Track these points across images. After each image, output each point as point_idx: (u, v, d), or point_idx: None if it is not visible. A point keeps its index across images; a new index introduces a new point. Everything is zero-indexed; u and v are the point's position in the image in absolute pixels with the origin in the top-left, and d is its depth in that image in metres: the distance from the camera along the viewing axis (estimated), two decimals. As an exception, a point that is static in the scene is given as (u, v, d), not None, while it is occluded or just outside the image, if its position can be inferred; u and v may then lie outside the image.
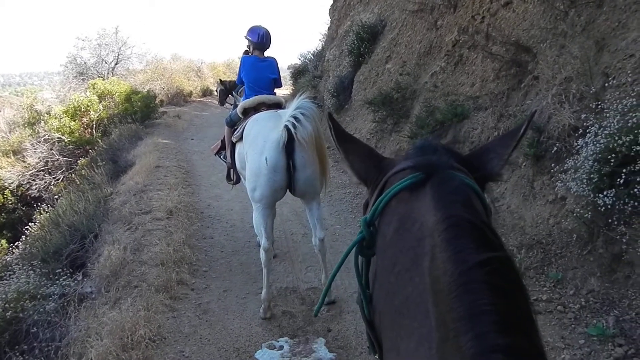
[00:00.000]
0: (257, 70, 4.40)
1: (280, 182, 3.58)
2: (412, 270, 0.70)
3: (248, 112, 4.23)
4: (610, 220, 3.65)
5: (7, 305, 4.26)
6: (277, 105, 4.28)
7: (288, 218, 5.86)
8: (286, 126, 3.42)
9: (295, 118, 3.39)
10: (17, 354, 3.85)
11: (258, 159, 3.58)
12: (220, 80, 9.45)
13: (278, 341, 3.41)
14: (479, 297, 0.60)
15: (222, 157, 5.11)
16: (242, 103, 4.34)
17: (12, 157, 14.78)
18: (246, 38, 4.58)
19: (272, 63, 4.54)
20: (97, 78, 17.81)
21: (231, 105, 5.73)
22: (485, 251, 0.66)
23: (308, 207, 3.88)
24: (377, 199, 0.87)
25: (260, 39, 4.47)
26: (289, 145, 3.47)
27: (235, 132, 4.27)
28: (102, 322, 3.53)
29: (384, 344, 0.80)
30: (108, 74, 19.80)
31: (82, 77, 19.50)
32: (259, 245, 4.81)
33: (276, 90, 4.62)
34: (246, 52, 10.25)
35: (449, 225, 0.69)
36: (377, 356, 0.95)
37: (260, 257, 3.76)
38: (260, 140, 3.64)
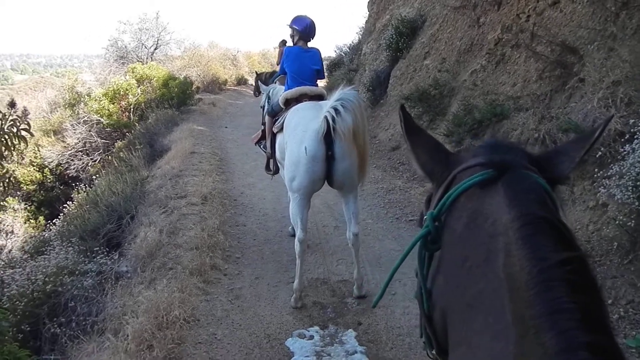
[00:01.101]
0: (301, 61, 4.37)
1: (319, 172, 3.58)
2: (484, 266, 0.71)
3: (290, 102, 4.24)
4: (654, 231, 3.54)
5: (47, 279, 4.42)
6: (319, 97, 4.27)
7: (320, 210, 5.87)
8: (325, 117, 3.42)
9: (335, 109, 3.38)
10: (55, 325, 4.00)
11: (297, 149, 3.60)
12: (256, 72, 9.58)
13: (308, 330, 3.44)
14: (560, 294, 0.60)
15: (262, 146, 5.15)
16: (284, 94, 4.35)
17: (53, 136, 15.27)
18: (291, 27, 4.52)
19: (316, 54, 4.52)
20: (137, 62, 18.16)
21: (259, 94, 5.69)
22: (564, 250, 0.66)
23: (345, 201, 3.87)
24: (445, 194, 0.87)
25: (306, 29, 4.43)
26: (329, 136, 3.47)
27: (277, 123, 4.30)
28: (138, 300, 3.63)
29: (450, 337, 0.80)
30: (147, 58, 20.17)
31: (122, 61, 19.91)
32: (291, 236, 4.90)
33: (318, 81, 4.60)
34: (284, 42, 10.24)
35: (524, 223, 0.69)
36: (433, 352, 0.95)
37: (295, 248, 3.78)
38: (299, 130, 3.66)
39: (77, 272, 4.53)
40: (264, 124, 5.30)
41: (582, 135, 0.91)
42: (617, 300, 3.58)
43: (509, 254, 0.67)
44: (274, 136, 4.41)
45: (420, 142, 1.01)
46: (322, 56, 4.75)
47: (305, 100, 4.14)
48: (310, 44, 4.57)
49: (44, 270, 4.57)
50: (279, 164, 4.52)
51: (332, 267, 4.46)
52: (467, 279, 0.74)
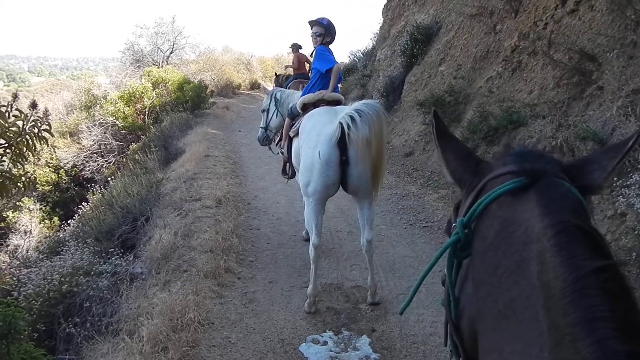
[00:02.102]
0: (317, 57, 4.35)
1: (333, 176, 3.57)
2: (517, 273, 0.70)
3: (307, 107, 4.25)
4: (675, 241, 3.48)
5: (62, 279, 4.46)
6: (337, 102, 4.27)
7: (334, 215, 5.87)
8: (340, 122, 3.42)
9: (352, 117, 3.38)
10: (71, 325, 4.03)
11: (311, 153, 3.60)
12: (275, 74, 9.79)
13: (322, 336, 3.43)
14: (596, 302, 0.60)
15: (279, 148, 5.15)
16: (302, 98, 4.37)
17: (69, 138, 15.45)
18: (319, 24, 4.43)
19: (327, 50, 4.46)
20: (152, 66, 18.35)
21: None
22: (599, 258, 0.65)
23: (359, 206, 3.84)
24: (475, 202, 0.87)
25: (331, 28, 4.41)
26: (343, 141, 3.45)
27: (293, 127, 4.31)
28: (153, 302, 3.65)
29: (481, 345, 0.79)
30: (163, 62, 20.40)
31: (138, 64, 20.16)
32: (305, 240, 4.89)
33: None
34: (296, 46, 10.24)
35: (558, 231, 0.69)
36: None
37: (310, 253, 3.75)
38: (314, 135, 3.66)
39: (92, 273, 4.57)
40: (263, 127, 5.52)
41: (614, 145, 0.90)
42: (636, 313, 3.52)
43: (543, 262, 0.67)
44: (290, 140, 4.41)
45: (451, 149, 1.02)
46: (339, 61, 4.72)
47: (322, 105, 4.14)
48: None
49: (60, 270, 4.62)
50: (295, 169, 4.53)
51: (345, 272, 4.45)
52: (498, 286, 0.73)
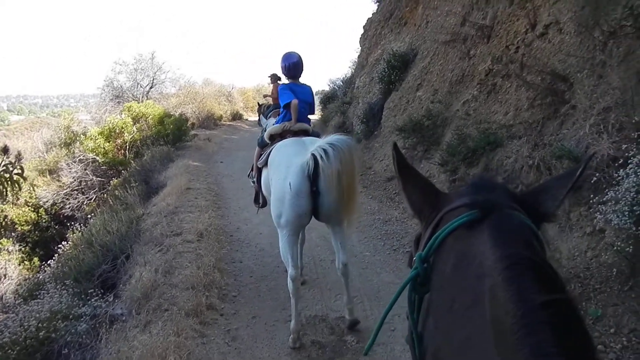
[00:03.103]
0: (294, 94, 4.44)
1: (304, 206, 3.58)
2: (471, 309, 0.69)
3: (274, 137, 4.34)
4: (654, 256, 3.51)
5: (40, 324, 4.32)
6: (304, 132, 4.35)
7: (317, 244, 5.82)
8: (313, 154, 3.45)
9: (324, 150, 3.41)
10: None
11: (282, 185, 3.62)
12: (258, 103, 10.10)
13: (307, 371, 3.35)
14: (544, 338, 0.59)
15: (251, 178, 5.17)
16: (269, 130, 4.48)
17: (48, 176, 15.26)
18: (281, 65, 4.60)
19: (307, 90, 4.61)
20: (132, 101, 18.34)
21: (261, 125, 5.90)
22: (548, 292, 0.65)
23: (332, 231, 3.88)
24: (433, 235, 0.86)
25: (293, 65, 4.51)
26: (314, 172, 3.49)
27: (260, 158, 4.36)
28: (133, 345, 3.53)
29: None
30: (143, 97, 20.41)
31: (117, 100, 20.14)
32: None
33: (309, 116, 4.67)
34: (275, 77, 10.46)
35: (509, 264, 0.68)
36: None
37: (288, 286, 3.70)
38: (283, 166, 3.70)
39: (71, 317, 4.44)
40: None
41: (565, 173, 0.92)
42: (619, 329, 3.51)
43: (494, 297, 0.66)
44: (260, 170, 4.45)
45: (411, 181, 1.02)
46: (317, 89, 4.87)
47: (289, 136, 4.21)
48: (306, 76, 4.64)
49: (37, 315, 4.48)
50: (266, 199, 4.54)
51: (330, 302, 4.38)
52: (455, 323, 0.72)
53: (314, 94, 4.73)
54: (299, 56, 4.56)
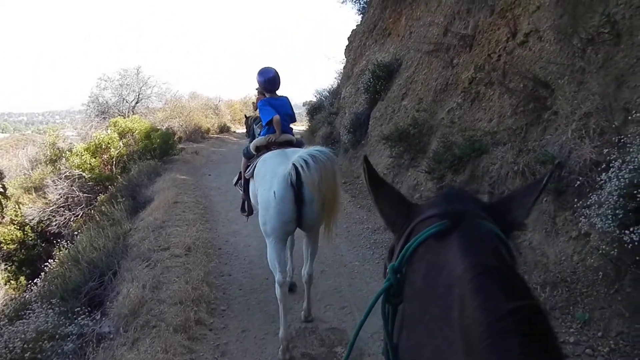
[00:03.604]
0: (274, 109, 4.61)
1: (288, 214, 3.70)
2: (441, 319, 0.70)
3: (260, 149, 4.52)
4: (638, 258, 3.54)
5: (25, 345, 4.24)
6: (288, 143, 4.51)
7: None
8: (294, 164, 3.56)
9: (305, 160, 3.51)
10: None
11: (267, 194, 3.76)
12: (245, 115, 10.28)
13: (298, 384, 3.32)
14: (510, 347, 0.60)
15: (239, 187, 5.31)
16: (255, 141, 4.67)
17: (34, 193, 15.08)
18: (257, 81, 4.82)
19: (286, 101, 4.79)
20: (118, 116, 18.25)
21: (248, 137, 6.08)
22: (514, 299, 0.66)
23: (306, 241, 4.07)
24: (404, 246, 0.87)
25: (269, 80, 4.71)
26: (297, 180, 3.61)
27: (248, 170, 4.53)
28: (120, 363, 3.49)
29: None
30: (129, 112, 20.32)
31: (103, 116, 20.03)
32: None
33: (293, 125, 4.86)
34: (262, 94, 10.64)
35: (477, 273, 0.69)
36: None
37: (276, 292, 3.77)
38: (268, 177, 3.85)
39: (57, 337, 4.37)
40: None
41: (533, 182, 0.94)
42: (607, 333, 3.54)
43: (463, 306, 0.66)
44: (247, 181, 4.62)
45: (383, 194, 1.03)
46: (301, 101, 5.08)
47: (274, 147, 4.38)
48: (286, 90, 4.76)
49: (23, 336, 4.40)
50: (254, 208, 4.65)
51: (320, 314, 4.36)
52: (426, 333, 0.73)
53: (292, 104, 4.93)
54: (275, 71, 4.75)
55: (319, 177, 3.47)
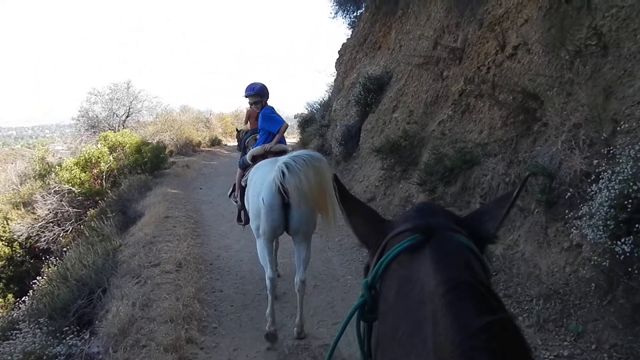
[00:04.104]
0: (267, 120, 4.95)
1: (277, 219, 3.94)
2: (414, 336, 0.69)
3: (256, 158, 4.75)
4: (630, 269, 3.54)
5: (12, 367, 4.14)
6: (283, 153, 4.66)
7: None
8: (279, 168, 3.72)
9: (286, 165, 3.67)
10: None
11: (257, 200, 4.00)
12: (237, 129, 10.43)
13: (291, 403, 3.26)
14: None
15: (233, 198, 5.55)
16: (252, 151, 4.92)
17: (22, 209, 14.88)
18: (246, 96, 5.14)
19: (272, 110, 5.12)
20: (108, 130, 18.15)
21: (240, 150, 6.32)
22: (485, 314, 0.65)
23: (297, 247, 4.17)
24: (378, 262, 0.86)
25: (258, 92, 5.07)
26: (282, 185, 3.73)
27: (244, 177, 4.80)
28: (109, 385, 3.41)
29: None
30: (119, 126, 20.23)
31: (93, 130, 19.91)
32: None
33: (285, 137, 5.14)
34: (256, 104, 10.77)
35: (449, 288, 0.68)
36: None
37: (266, 284, 4.09)
38: (258, 183, 4.09)
39: (44, 358, 4.26)
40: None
41: (503, 195, 0.95)
42: (600, 345, 3.52)
43: (435, 322, 0.66)
44: (243, 189, 4.80)
45: (356, 211, 1.02)
46: (292, 114, 5.42)
47: (270, 156, 4.60)
48: (276, 102, 4.97)
49: (10, 358, 4.29)
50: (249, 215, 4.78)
51: (312, 330, 4.30)
52: (399, 351, 0.71)
53: (284, 117, 5.36)
54: (261, 83, 5.13)
55: (299, 180, 3.59)
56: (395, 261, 0.82)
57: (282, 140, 4.97)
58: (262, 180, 4.02)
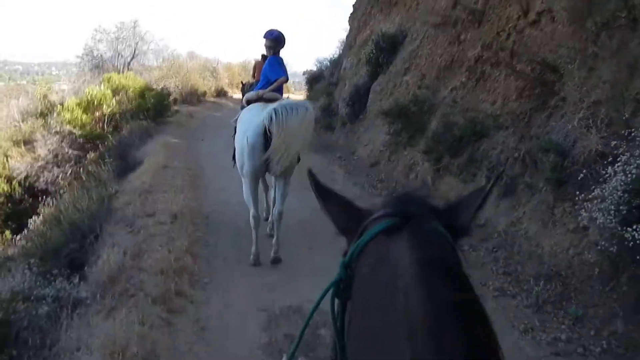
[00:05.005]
0: (272, 67, 5.15)
1: (258, 160, 4.32)
2: (387, 306, 0.72)
3: (250, 103, 5.02)
4: (638, 257, 3.41)
5: (-1, 305, 4.09)
6: (275, 100, 4.81)
7: (293, 229, 5.61)
8: (267, 113, 4.11)
9: (275, 110, 4.07)
10: (6, 358, 3.67)
11: (242, 139, 4.40)
12: (242, 82, 10.37)
13: (277, 366, 3.21)
14: (449, 337, 0.63)
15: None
16: (246, 95, 5.29)
17: (23, 147, 14.72)
18: (264, 39, 5.28)
19: (283, 63, 5.31)
20: (113, 72, 17.78)
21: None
22: (455, 292, 0.70)
23: (277, 184, 4.74)
24: (356, 243, 0.89)
25: (275, 40, 5.21)
26: (267, 130, 4.14)
27: (235, 117, 5.18)
28: (94, 333, 3.35)
29: None
30: (124, 68, 19.81)
31: (97, 70, 19.51)
32: (269, 236, 5.23)
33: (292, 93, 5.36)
34: (263, 57, 10.50)
35: (423, 265, 0.72)
36: None
37: (250, 222, 4.64)
38: (245, 124, 4.45)
39: (32, 298, 4.21)
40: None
41: (479, 188, 0.98)
42: (599, 332, 3.43)
43: (407, 295, 0.69)
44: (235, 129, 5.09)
45: (332, 202, 1.05)
46: (301, 70, 5.63)
47: (262, 102, 4.82)
48: (287, 55, 5.03)
49: (-3, 296, 4.24)
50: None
51: (305, 293, 4.21)
52: (371, 320, 0.75)
53: (292, 72, 5.43)
54: (280, 32, 5.27)
55: (284, 125, 4.02)
56: (373, 241, 0.85)
57: (279, 91, 5.17)
58: (249, 121, 4.39)
